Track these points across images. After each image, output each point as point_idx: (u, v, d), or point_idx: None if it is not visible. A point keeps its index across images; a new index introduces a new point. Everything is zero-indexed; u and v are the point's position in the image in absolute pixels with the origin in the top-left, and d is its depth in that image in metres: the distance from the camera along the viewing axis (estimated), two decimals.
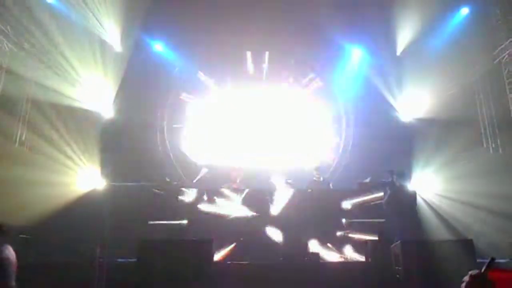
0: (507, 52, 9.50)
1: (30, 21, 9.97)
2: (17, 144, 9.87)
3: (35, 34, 10.13)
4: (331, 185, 9.33)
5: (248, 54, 11.78)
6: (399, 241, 5.86)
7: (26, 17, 9.87)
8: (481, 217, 8.32)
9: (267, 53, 11.73)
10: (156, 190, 6.26)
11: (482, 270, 1.73)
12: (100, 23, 10.48)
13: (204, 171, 10.05)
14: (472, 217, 8.37)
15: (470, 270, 1.78)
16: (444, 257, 5.24)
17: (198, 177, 9.91)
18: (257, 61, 11.81)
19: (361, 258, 7.21)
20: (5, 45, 9.48)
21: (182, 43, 11.37)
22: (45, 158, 9.38)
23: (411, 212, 7.33)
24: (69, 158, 9.73)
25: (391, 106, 10.90)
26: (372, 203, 7.97)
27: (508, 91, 9.47)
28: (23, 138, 10.03)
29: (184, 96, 11.53)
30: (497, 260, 1.79)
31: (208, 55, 11.66)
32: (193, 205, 8.20)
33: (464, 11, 10.38)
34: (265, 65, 11.77)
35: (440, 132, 9.88)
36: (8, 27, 9.48)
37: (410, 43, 10.68)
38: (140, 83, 10.87)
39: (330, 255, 7.61)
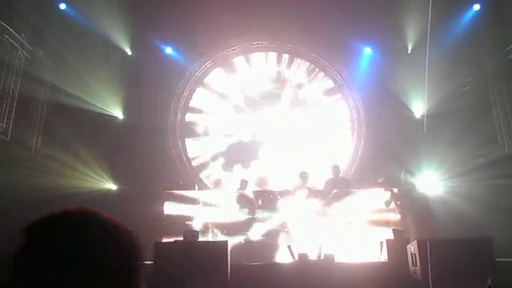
0: None
1: (43, 28, 10.15)
2: (33, 150, 10.03)
3: (49, 41, 10.31)
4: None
5: (260, 55, 11.85)
6: (415, 240, 5.82)
7: (40, 24, 10.05)
8: (498, 215, 8.20)
9: (285, 56, 11.78)
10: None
11: None
12: (111, 28, 10.59)
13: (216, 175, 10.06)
14: (488, 215, 8.26)
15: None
16: (462, 256, 5.18)
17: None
18: (270, 63, 11.89)
19: (376, 258, 7.16)
20: (20, 52, 9.64)
21: (194, 45, 11.40)
22: (60, 162, 9.53)
23: (425, 212, 7.23)
24: (83, 161, 9.86)
25: (404, 104, 10.80)
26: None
27: None
28: (39, 143, 10.20)
29: (196, 99, 11.61)
30: None
31: (219, 56, 11.72)
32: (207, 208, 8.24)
33: (476, 7, 10.26)
34: (279, 67, 11.82)
35: (454, 129, 9.76)
36: (23, 35, 9.64)
37: (421, 40, 10.57)
38: (152, 86, 10.97)
39: (345, 256, 7.57)
